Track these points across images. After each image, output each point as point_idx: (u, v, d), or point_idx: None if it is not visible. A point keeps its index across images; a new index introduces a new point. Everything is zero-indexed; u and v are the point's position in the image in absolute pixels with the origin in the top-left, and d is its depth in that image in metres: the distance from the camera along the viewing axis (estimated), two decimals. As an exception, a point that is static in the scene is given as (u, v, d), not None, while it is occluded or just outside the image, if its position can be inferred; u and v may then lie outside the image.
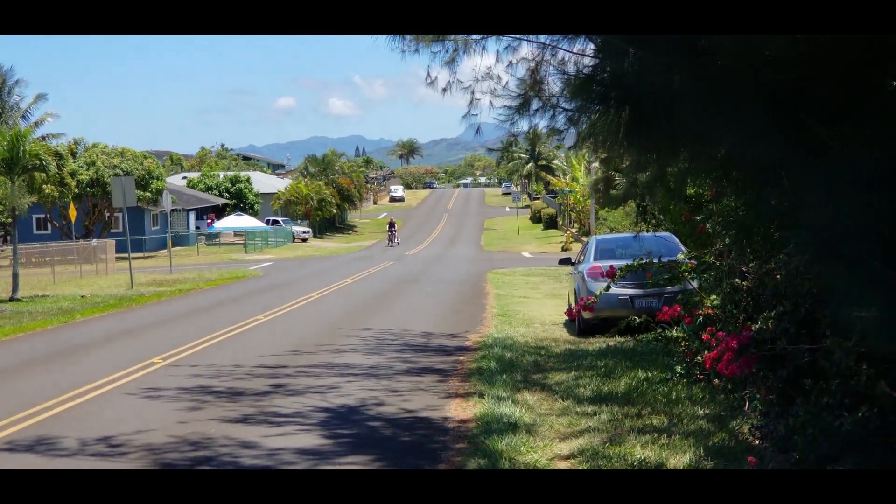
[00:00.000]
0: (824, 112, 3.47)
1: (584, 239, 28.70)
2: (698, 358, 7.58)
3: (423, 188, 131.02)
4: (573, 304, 12.51)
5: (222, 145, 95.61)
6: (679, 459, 5.78)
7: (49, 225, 43.56)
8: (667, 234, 12.95)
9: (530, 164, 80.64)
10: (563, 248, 42.45)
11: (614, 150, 7.70)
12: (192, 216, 56.19)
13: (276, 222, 59.17)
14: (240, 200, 61.31)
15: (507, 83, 8.83)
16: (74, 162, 41.04)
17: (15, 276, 22.05)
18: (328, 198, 64.57)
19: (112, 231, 43.64)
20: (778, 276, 6.25)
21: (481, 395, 8.18)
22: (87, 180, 41.29)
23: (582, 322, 12.64)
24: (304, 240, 58.64)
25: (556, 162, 64.79)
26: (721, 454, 5.74)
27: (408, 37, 8.80)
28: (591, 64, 5.44)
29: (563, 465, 5.97)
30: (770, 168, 3.77)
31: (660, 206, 12.38)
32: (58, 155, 35.81)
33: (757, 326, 6.12)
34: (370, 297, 20.39)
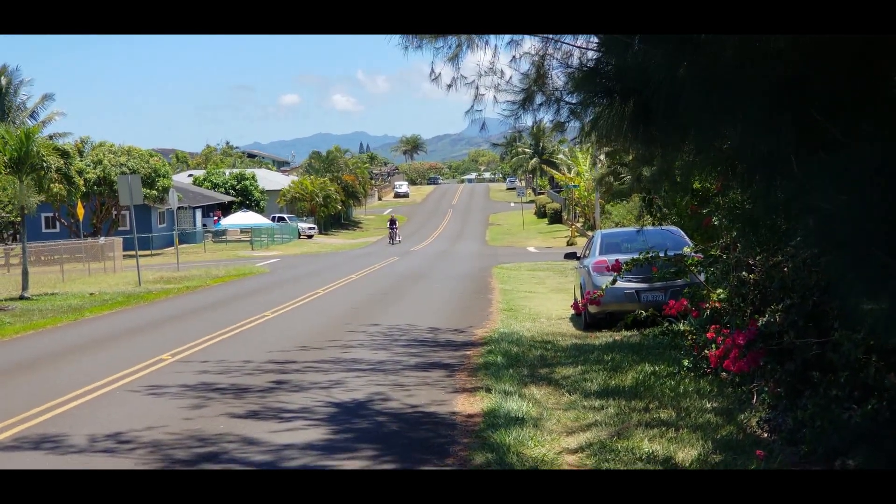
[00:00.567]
0: (832, 106, 3.46)
1: (590, 233, 28.67)
2: (705, 352, 7.57)
3: (428, 184, 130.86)
4: (579, 299, 12.50)
5: (227, 143, 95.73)
6: (687, 453, 5.78)
7: (57, 223, 43.72)
8: (673, 227, 12.92)
9: (535, 159, 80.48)
10: (568, 242, 42.43)
11: (619, 144, 7.68)
12: (199, 213, 56.35)
13: (281, 219, 59.27)
14: (245, 197, 61.44)
15: (510, 78, 8.79)
16: (81, 160, 41.17)
17: (25, 275, 22.15)
18: (333, 194, 64.64)
19: (119, 229, 43.79)
20: (785, 269, 6.24)
21: (488, 390, 8.20)
22: (94, 179, 41.42)
23: (588, 316, 12.63)
24: (310, 236, 58.72)
25: (560, 157, 64.64)
26: (729, 447, 5.74)
27: (410, 33, 8.76)
28: (594, 57, 5.42)
29: (570, 459, 5.98)
30: (777, 161, 3.77)
31: (665, 199, 12.35)
32: (65, 154, 35.91)
33: (764, 319, 6.12)
34: (376, 293, 20.42)
